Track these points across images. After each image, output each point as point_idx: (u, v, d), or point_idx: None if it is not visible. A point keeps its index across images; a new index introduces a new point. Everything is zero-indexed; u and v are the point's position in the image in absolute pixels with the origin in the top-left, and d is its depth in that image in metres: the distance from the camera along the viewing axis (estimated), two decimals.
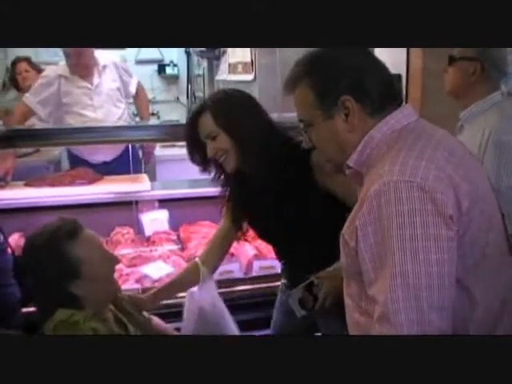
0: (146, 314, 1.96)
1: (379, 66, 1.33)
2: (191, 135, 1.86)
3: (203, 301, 2.05)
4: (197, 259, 2.11)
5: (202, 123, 1.82)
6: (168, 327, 2.02)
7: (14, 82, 4.33)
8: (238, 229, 2.08)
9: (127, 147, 3.56)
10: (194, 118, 1.84)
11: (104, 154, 3.63)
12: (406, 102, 2.73)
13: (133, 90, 3.90)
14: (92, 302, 1.64)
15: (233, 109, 1.81)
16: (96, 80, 3.62)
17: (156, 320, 1.99)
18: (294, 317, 1.87)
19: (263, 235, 2.09)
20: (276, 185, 1.82)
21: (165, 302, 2.13)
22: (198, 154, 1.88)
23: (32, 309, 1.80)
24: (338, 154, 1.34)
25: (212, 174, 1.97)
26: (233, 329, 2.10)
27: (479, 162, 1.43)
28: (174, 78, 6.08)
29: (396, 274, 1.13)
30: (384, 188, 1.16)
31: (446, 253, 1.13)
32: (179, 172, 4.02)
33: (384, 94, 1.29)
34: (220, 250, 2.13)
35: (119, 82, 3.77)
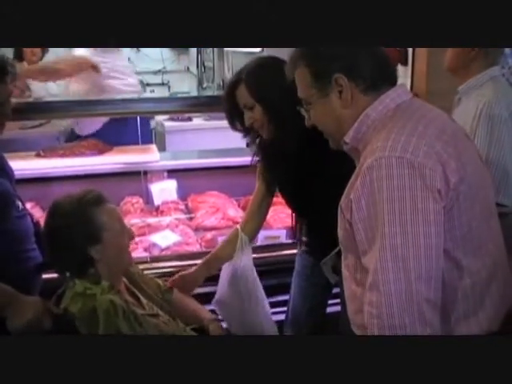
0: (166, 284, 2.02)
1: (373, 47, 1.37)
2: (230, 105, 1.92)
3: (239, 264, 2.13)
4: (238, 226, 2.19)
5: (239, 94, 1.87)
6: (190, 300, 2.08)
7: (19, 55, 4.23)
8: (272, 193, 2.15)
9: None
10: (231, 89, 1.89)
11: (89, 126, 3.66)
12: (412, 77, 2.76)
13: None
14: (107, 270, 1.72)
15: (266, 81, 1.84)
16: None
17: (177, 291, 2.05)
18: (314, 280, 2.11)
19: (293, 201, 2.14)
20: (311, 151, 1.87)
21: None
22: (239, 121, 1.94)
23: (52, 275, 1.87)
24: (336, 129, 1.41)
25: (249, 139, 2.03)
26: (264, 298, 2.19)
27: (471, 140, 1.48)
28: (184, 49, 6.07)
29: (386, 246, 1.19)
30: (376, 163, 1.22)
31: (434, 226, 1.19)
32: (188, 143, 4.08)
33: (376, 73, 1.34)
34: (258, 216, 2.20)
35: None
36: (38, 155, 3.13)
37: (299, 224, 2.23)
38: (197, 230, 2.89)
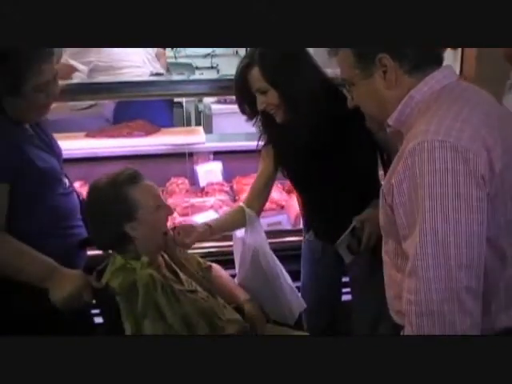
0: (206, 262, 2.04)
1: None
2: (241, 88, 1.89)
3: (255, 243, 2.10)
4: (241, 204, 2.17)
5: (252, 77, 1.83)
6: (227, 276, 2.09)
7: None
8: (276, 175, 2.14)
9: None
10: (244, 71, 1.85)
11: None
12: (462, 60, 2.69)
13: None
14: (145, 247, 1.76)
15: (281, 64, 1.80)
16: None
17: (216, 267, 2.07)
18: (325, 261, 2.11)
19: (301, 185, 2.13)
20: (325, 137, 1.86)
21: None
22: (249, 105, 1.92)
23: (97, 252, 1.92)
24: (379, 111, 1.38)
25: (258, 122, 2.01)
26: (282, 270, 2.17)
27: None
28: None
29: (426, 231, 1.17)
30: (418, 147, 1.19)
31: (476, 213, 1.16)
32: (235, 125, 4.07)
33: (422, 53, 1.31)
34: (263, 196, 2.18)
35: None
36: (88, 136, 3.21)
37: (307, 208, 2.20)
38: None
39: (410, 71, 1.31)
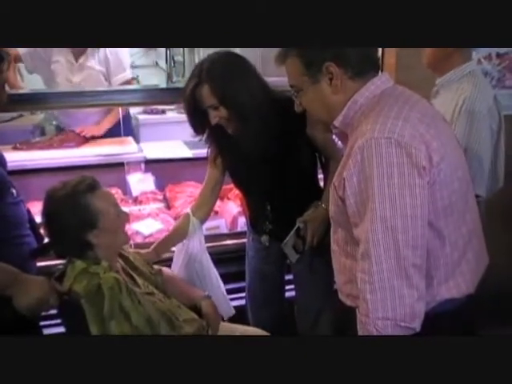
0: (156, 266, 2.10)
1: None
2: (192, 107, 1.94)
3: (192, 250, 2.21)
4: (188, 210, 2.25)
5: (202, 95, 1.89)
6: (179, 277, 2.16)
7: None
8: (223, 180, 2.25)
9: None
10: (193, 90, 1.90)
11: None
12: (382, 68, 2.87)
13: (115, 83, 3.68)
14: (105, 252, 1.79)
15: (230, 80, 1.87)
16: (82, 58, 3.59)
17: (166, 270, 2.13)
18: (270, 259, 2.23)
19: (249, 189, 2.23)
20: (274, 143, 1.96)
21: None
22: (199, 120, 1.98)
23: (46, 263, 1.92)
24: (326, 114, 1.51)
25: (206, 136, 2.08)
26: (218, 278, 2.29)
27: (448, 123, 1.60)
28: None
29: (376, 218, 1.31)
30: (366, 144, 1.33)
31: (419, 198, 1.31)
32: (162, 135, 4.12)
33: (363, 60, 1.45)
34: (210, 201, 2.28)
35: (104, 67, 3.65)
36: (15, 148, 3.15)
37: (253, 211, 2.31)
38: (176, 219, 2.95)
39: (353, 77, 1.44)
